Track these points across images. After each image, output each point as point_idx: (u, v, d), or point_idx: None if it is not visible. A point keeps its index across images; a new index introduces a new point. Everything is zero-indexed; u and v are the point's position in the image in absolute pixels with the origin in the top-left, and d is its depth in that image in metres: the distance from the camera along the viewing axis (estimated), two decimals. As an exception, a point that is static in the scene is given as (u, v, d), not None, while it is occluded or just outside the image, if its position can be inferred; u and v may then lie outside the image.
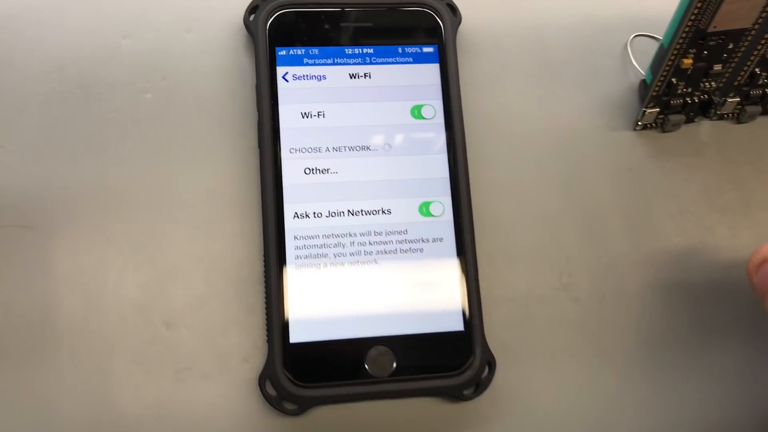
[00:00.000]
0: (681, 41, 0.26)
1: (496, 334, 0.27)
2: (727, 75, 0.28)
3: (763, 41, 0.27)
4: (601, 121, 0.30)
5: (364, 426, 0.26)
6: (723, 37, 0.26)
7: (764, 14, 0.26)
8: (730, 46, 0.27)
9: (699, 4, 0.25)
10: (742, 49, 0.27)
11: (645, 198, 0.29)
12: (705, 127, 0.31)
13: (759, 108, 0.30)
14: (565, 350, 0.27)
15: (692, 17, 0.25)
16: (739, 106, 0.30)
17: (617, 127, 0.30)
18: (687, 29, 0.26)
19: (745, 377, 0.28)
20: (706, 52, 0.27)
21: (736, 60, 0.28)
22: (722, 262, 0.29)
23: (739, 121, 0.31)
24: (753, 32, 0.26)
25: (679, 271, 0.29)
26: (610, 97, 0.30)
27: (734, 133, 0.31)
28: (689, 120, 0.30)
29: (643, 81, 0.29)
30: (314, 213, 0.26)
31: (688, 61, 0.27)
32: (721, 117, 0.30)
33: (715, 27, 0.25)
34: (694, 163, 0.30)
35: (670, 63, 0.27)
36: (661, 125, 0.30)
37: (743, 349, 0.28)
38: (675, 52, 0.27)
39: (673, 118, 0.29)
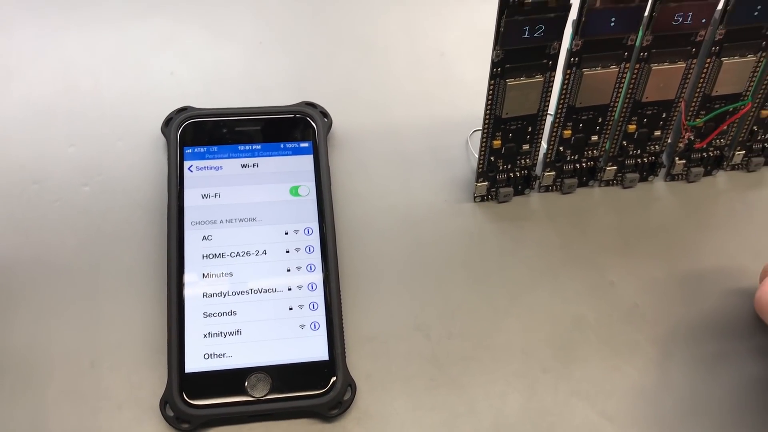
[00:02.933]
0: (487, 126, 0.34)
1: (360, 366, 0.33)
2: (536, 152, 0.36)
3: (542, 125, 0.35)
4: (448, 197, 0.38)
5: (249, 443, 0.32)
6: (520, 122, 0.34)
7: (546, 104, 0.34)
8: (529, 129, 0.35)
9: (490, 99, 0.33)
10: (539, 130, 0.35)
11: (484, 255, 0.36)
12: (533, 197, 0.38)
13: (575, 180, 0.38)
14: (418, 378, 0.33)
15: (488, 109, 0.33)
16: (559, 179, 0.38)
17: (461, 200, 0.38)
18: (488, 117, 0.34)
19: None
20: (510, 134, 0.35)
21: (537, 139, 0.35)
22: (547, 303, 0.35)
23: (562, 192, 0.38)
24: (540, 118, 0.34)
25: (513, 309, 0.35)
26: (455, 179, 0.38)
27: (559, 201, 0.38)
28: (519, 192, 0.38)
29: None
30: (208, 273, 0.33)
31: (497, 142, 0.35)
32: (547, 189, 0.38)
33: (507, 114, 0.33)
34: (525, 226, 0.37)
35: (484, 144, 0.35)
36: (495, 197, 0.37)
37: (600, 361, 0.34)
38: (485, 135, 0.35)
39: (503, 190, 0.37)
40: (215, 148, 0.36)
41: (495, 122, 0.34)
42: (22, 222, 0.35)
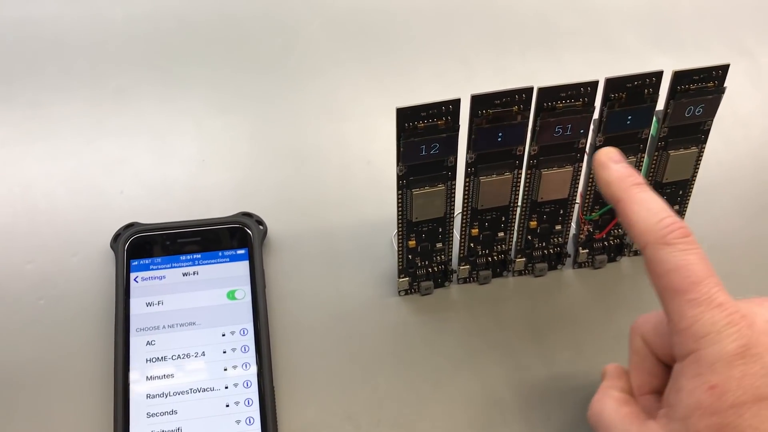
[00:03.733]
0: (400, 228, 0.38)
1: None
2: (449, 249, 0.40)
3: (451, 225, 0.39)
4: (375, 292, 0.41)
5: None
6: (430, 224, 0.38)
7: (450, 206, 0.38)
8: (440, 229, 0.39)
9: (400, 206, 0.37)
10: (449, 230, 0.39)
11: (409, 345, 0.40)
12: (453, 289, 0.42)
13: (489, 272, 0.42)
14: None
15: (399, 214, 0.38)
16: (474, 271, 0.41)
17: (387, 295, 0.41)
18: (400, 221, 0.38)
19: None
20: (423, 235, 0.39)
21: (449, 237, 0.39)
22: (468, 388, 0.38)
23: (479, 283, 0.42)
24: (448, 219, 0.39)
25: (436, 395, 0.38)
26: (381, 275, 0.42)
27: (477, 291, 0.42)
28: (439, 285, 0.42)
29: (404, 261, 0.41)
30: (151, 375, 0.37)
31: (412, 243, 0.39)
32: (465, 281, 0.42)
33: (416, 218, 0.37)
34: (446, 317, 0.41)
35: (400, 244, 0.39)
36: (417, 290, 0.41)
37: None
38: (401, 236, 0.39)
39: (424, 284, 0.41)
40: (159, 259, 0.40)
41: (408, 225, 0.38)
42: (-18, 336, 0.39)
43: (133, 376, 0.36)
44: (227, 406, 0.36)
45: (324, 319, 0.40)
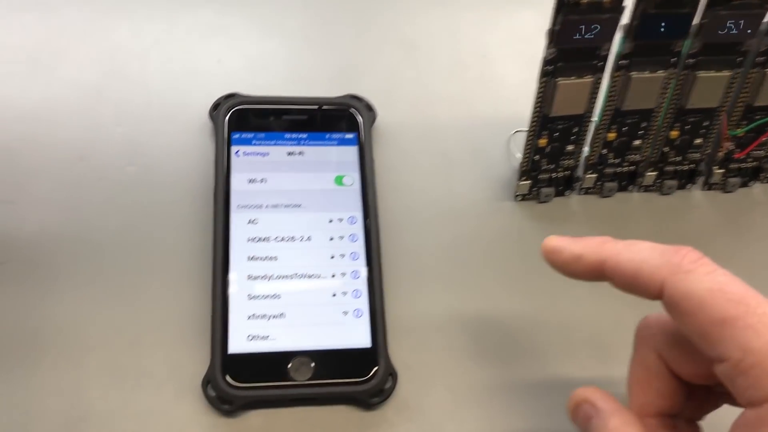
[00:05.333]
0: (534, 124, 0.35)
1: (400, 355, 0.33)
2: (578, 153, 0.36)
3: (588, 125, 0.35)
4: (489, 195, 0.38)
5: (288, 428, 0.31)
6: (567, 122, 0.35)
7: (592, 103, 0.34)
8: (575, 129, 0.35)
9: (540, 97, 0.33)
10: (584, 131, 0.35)
11: (523, 253, 0.37)
12: (574, 199, 0.39)
13: (615, 184, 0.38)
14: (457, 372, 0.33)
15: (537, 106, 0.34)
16: (599, 182, 0.38)
17: (502, 199, 0.38)
18: (536, 115, 0.34)
19: None
20: (557, 134, 0.35)
21: (582, 140, 0.36)
22: (586, 304, 0.36)
23: (602, 195, 0.39)
24: (587, 119, 0.35)
25: (551, 308, 0.35)
26: (496, 177, 0.39)
27: (598, 204, 0.39)
28: (559, 193, 0.38)
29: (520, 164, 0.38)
30: (253, 256, 0.34)
31: (543, 141, 0.35)
32: (587, 191, 0.39)
33: (555, 113, 0.34)
34: (564, 229, 0.38)
35: (530, 143, 0.35)
36: (536, 197, 0.38)
37: None
38: (532, 132, 0.35)
39: (545, 190, 0.37)
40: (262, 135, 0.37)
41: (543, 121, 0.35)
42: (67, 199, 0.35)
43: (234, 254, 0.33)
44: (334, 295, 0.33)
45: (433, 217, 0.37)
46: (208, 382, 0.31)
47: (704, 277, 0.23)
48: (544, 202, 0.38)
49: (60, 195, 0.36)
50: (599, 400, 0.26)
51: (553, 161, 0.37)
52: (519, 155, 0.38)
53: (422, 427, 0.32)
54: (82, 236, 0.34)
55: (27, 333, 0.32)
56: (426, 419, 0.32)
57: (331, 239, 0.35)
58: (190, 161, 0.37)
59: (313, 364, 0.32)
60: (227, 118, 0.37)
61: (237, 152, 0.36)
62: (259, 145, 0.36)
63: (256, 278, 0.33)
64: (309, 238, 0.35)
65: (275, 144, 0.37)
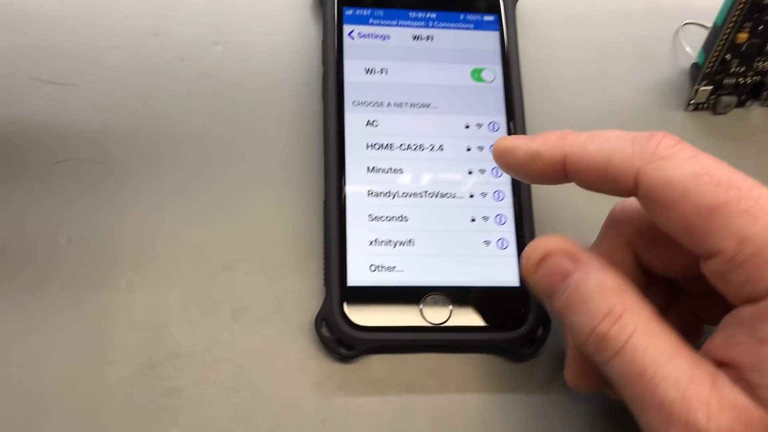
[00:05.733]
0: (736, 14, 0.27)
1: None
2: (776, 55, 0.29)
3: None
4: (652, 101, 0.31)
5: (415, 378, 0.26)
6: (777, 13, 0.27)
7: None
8: (787, 22, 0.28)
9: (759, -26, 0.26)
10: (798, 26, 0.28)
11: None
12: (756, 111, 0.31)
13: (810, 94, 0.31)
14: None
15: (749, -12, 0.26)
16: (791, 92, 0.31)
17: (669, 107, 0.31)
18: (743, 1, 0.26)
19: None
20: (761, 27, 0.28)
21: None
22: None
23: (789, 108, 0.31)
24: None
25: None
26: (661, 79, 0.31)
27: (784, 119, 0.32)
28: (740, 104, 0.31)
29: (695, 64, 0.30)
30: (373, 167, 0.27)
31: (743, 35, 0.28)
32: (772, 102, 0.31)
33: (771, -1, 0.26)
34: (743, 146, 0.31)
35: (724, 38, 0.28)
36: (713, 106, 0.31)
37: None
38: (730, 25, 0.27)
39: (726, 99, 0.30)
40: (381, 12, 0.29)
41: (751, 8, 0.27)
42: (140, 83, 0.28)
43: (351, 163, 0.27)
44: (473, 220, 0.27)
45: (587, 126, 0.30)
46: (323, 320, 0.25)
47: (686, 162, 0.20)
48: (722, 113, 0.31)
49: (130, 79, 0.28)
50: (579, 252, 0.21)
51: (746, 62, 0.29)
52: (690, 51, 0.31)
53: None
54: (158, 131, 0.28)
55: (95, 248, 0.26)
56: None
57: (468, 149, 0.28)
58: (291, 41, 0.29)
59: (449, 304, 0.26)
60: (338, -12, 0.29)
61: (350, 33, 0.28)
62: (378, 25, 0.29)
63: (378, 195, 0.27)
64: (441, 148, 0.28)
65: (397, 25, 0.29)
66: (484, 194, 0.27)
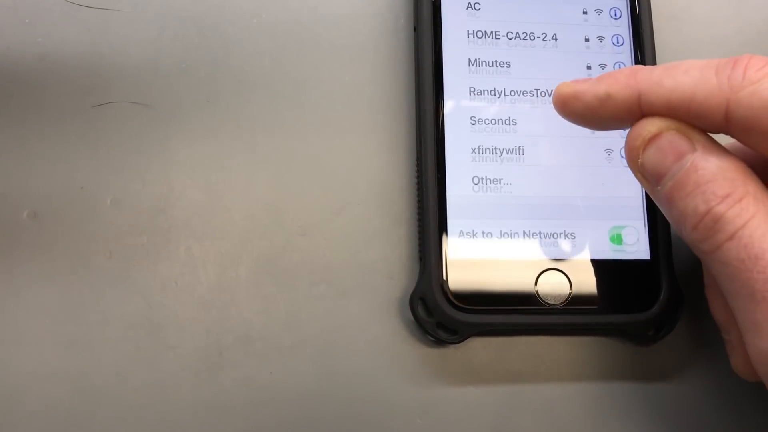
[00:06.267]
0: None
1: (682, 266, 0.23)
2: None
3: None
4: (799, 33, 0.26)
5: (525, 364, 0.22)
6: None
7: None
8: None
9: None
10: None
11: None
12: None
13: None
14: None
15: None
16: None
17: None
18: None
19: None
20: None
21: None
22: None
23: None
24: None
25: None
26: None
27: None
28: None
29: None
30: (476, 60, 0.23)
31: None
32: None
33: None
34: None
35: None
36: None
37: None
38: None
39: None
40: None
41: None
42: (193, 7, 0.23)
43: (449, 60, 0.22)
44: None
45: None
46: (420, 299, 0.21)
47: None
48: None
49: (181, 2, 0.24)
50: (698, 132, 0.18)
51: None
52: None
53: (714, 366, 0.23)
54: (216, 67, 0.23)
55: (145, 210, 0.22)
56: (713, 360, 0.23)
57: (586, 40, 0.23)
58: (374, 15, 0.24)
59: (569, 282, 0.22)
60: None
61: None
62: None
63: (482, 92, 0.22)
64: (555, 37, 0.23)
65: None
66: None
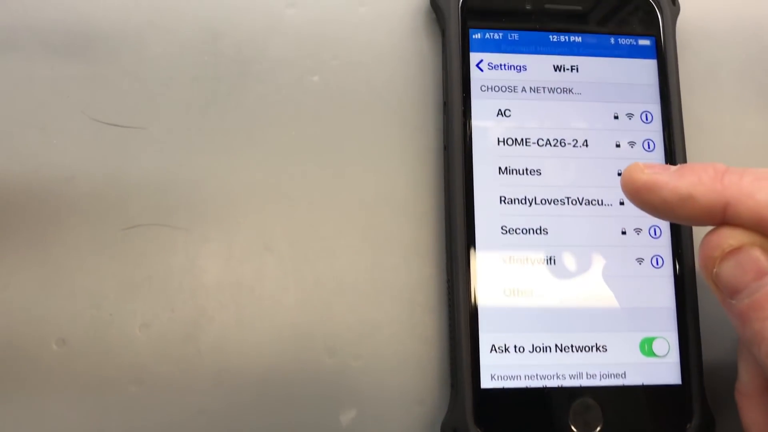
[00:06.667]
0: None
1: (713, 387, 0.23)
2: None
3: None
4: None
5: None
6: None
7: None
8: None
9: None
10: None
11: None
12: None
13: None
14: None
15: None
16: None
17: None
18: None
19: None
20: None
21: None
22: None
23: None
24: None
25: None
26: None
27: None
28: None
29: None
30: (506, 168, 0.22)
31: None
32: None
33: None
34: None
35: None
36: None
37: None
38: None
39: None
40: (516, 36, 0.24)
41: None
42: (220, 126, 0.23)
43: (479, 170, 0.22)
44: (623, 233, 0.22)
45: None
46: (452, 428, 0.21)
47: None
48: None
49: (210, 119, 0.23)
50: None
51: None
52: None
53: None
54: (245, 187, 0.23)
55: (178, 334, 0.22)
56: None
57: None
58: (401, 72, 0.24)
59: (601, 413, 0.21)
60: (461, 3, 0.23)
61: (479, 63, 0.23)
62: (512, 51, 0.23)
63: (512, 202, 0.22)
64: (586, 143, 0.23)
65: (536, 52, 0.23)
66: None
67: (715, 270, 0.18)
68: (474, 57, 0.23)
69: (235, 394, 0.21)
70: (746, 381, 0.20)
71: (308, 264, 0.22)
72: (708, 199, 0.17)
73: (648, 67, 0.24)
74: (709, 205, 0.18)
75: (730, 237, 0.18)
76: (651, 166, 0.18)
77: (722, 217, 0.18)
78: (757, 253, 0.17)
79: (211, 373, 0.21)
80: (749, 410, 0.20)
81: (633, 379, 0.22)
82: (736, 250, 0.18)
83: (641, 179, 0.18)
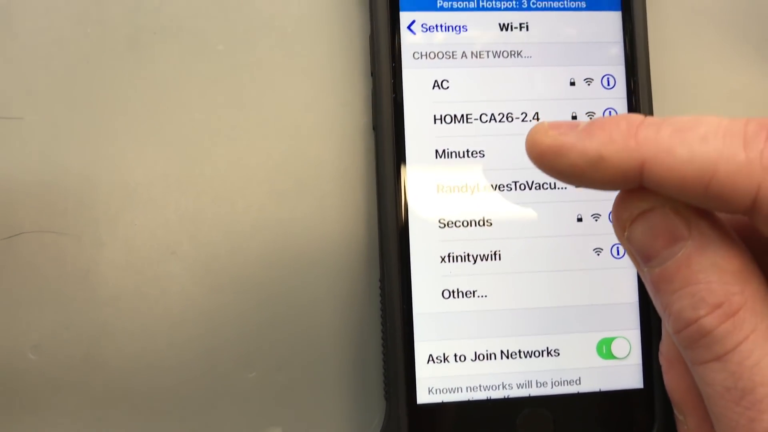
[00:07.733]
0: None
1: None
2: None
3: None
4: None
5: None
6: None
7: None
8: None
9: None
10: None
11: None
12: None
13: None
14: None
15: None
16: None
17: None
18: None
19: None
20: None
21: None
22: None
23: None
24: None
25: None
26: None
27: None
28: None
29: None
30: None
31: None
32: None
33: None
34: None
35: None
36: None
37: None
38: None
39: None
40: (453, -10, 0.20)
41: None
42: (109, 109, 0.20)
43: (412, 154, 0.19)
44: (579, 220, 0.20)
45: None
46: (386, 448, 0.19)
47: None
48: None
49: (97, 101, 0.20)
50: (696, 215, 0.15)
51: None
52: None
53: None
54: (142, 179, 0.20)
55: (75, 353, 0.19)
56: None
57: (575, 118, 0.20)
58: (323, 38, 0.20)
59: (551, 420, 0.19)
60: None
61: (410, 25, 0.20)
62: (450, 9, 0.20)
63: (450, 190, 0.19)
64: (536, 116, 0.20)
65: (478, 7, 0.20)
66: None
67: (626, 233, 0.16)
68: (405, 17, 0.20)
69: (144, 418, 0.19)
70: (668, 344, 0.18)
71: (220, 267, 0.20)
72: (621, 160, 0.14)
73: (611, 21, 0.20)
74: (622, 166, 0.15)
75: (641, 199, 0.15)
76: (557, 125, 0.15)
77: (640, 180, 0.15)
78: (671, 217, 0.15)
79: (115, 398, 0.19)
80: (671, 375, 0.18)
81: (589, 385, 0.19)
82: (647, 212, 0.15)
83: (544, 142, 0.15)
